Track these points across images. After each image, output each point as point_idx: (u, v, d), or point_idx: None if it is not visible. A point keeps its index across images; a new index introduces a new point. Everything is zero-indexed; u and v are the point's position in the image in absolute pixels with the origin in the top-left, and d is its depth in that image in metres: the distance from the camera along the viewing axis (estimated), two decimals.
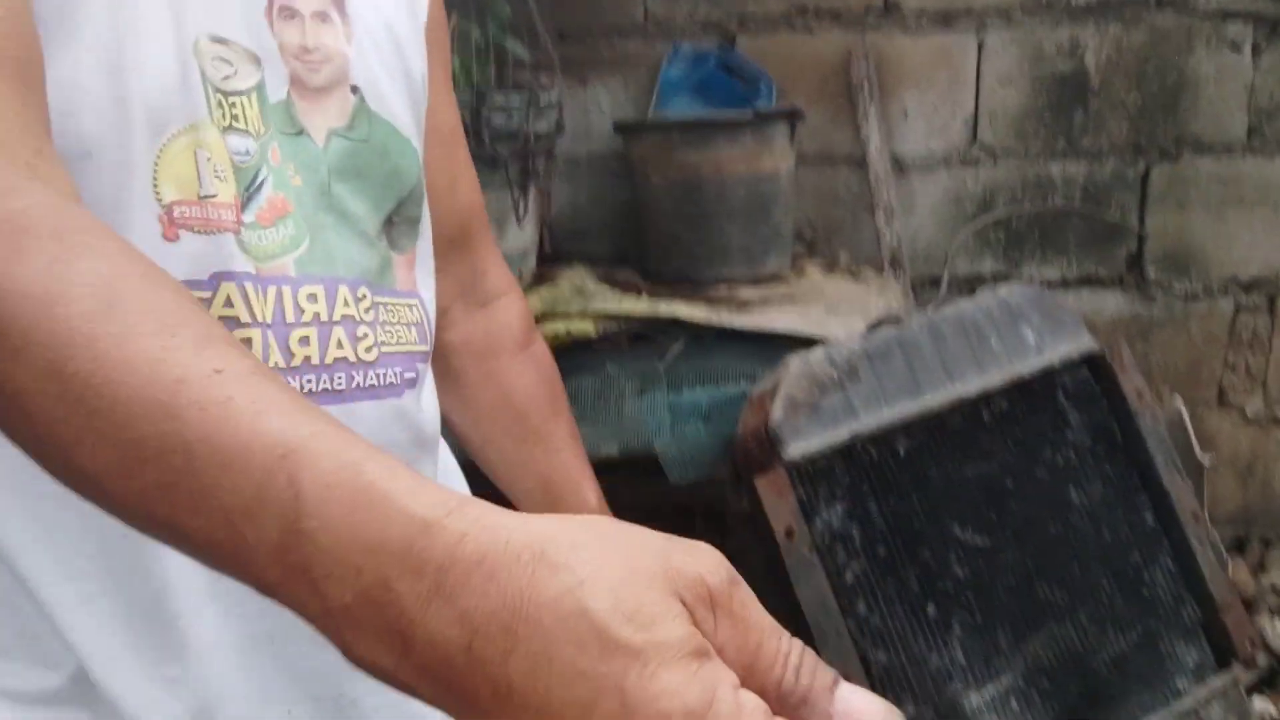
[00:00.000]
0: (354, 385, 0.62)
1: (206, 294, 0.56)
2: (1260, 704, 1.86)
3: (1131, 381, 1.72)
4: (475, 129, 1.77)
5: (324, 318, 0.61)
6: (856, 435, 1.54)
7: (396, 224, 0.65)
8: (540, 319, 1.80)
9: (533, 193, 1.91)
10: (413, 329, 0.66)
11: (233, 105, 0.56)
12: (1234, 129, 2.10)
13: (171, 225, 0.54)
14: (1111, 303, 2.24)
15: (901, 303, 1.95)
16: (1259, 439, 2.28)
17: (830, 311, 1.83)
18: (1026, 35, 2.12)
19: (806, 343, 1.71)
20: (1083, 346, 1.71)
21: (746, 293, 1.98)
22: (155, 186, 0.54)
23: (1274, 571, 2.24)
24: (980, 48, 2.14)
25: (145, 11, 0.54)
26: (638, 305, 1.82)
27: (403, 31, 0.68)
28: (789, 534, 1.47)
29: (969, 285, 2.28)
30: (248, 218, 0.58)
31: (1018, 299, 1.70)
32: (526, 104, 1.81)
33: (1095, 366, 1.72)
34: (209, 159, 0.55)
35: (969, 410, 1.63)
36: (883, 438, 1.57)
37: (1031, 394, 1.67)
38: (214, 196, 0.56)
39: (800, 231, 2.26)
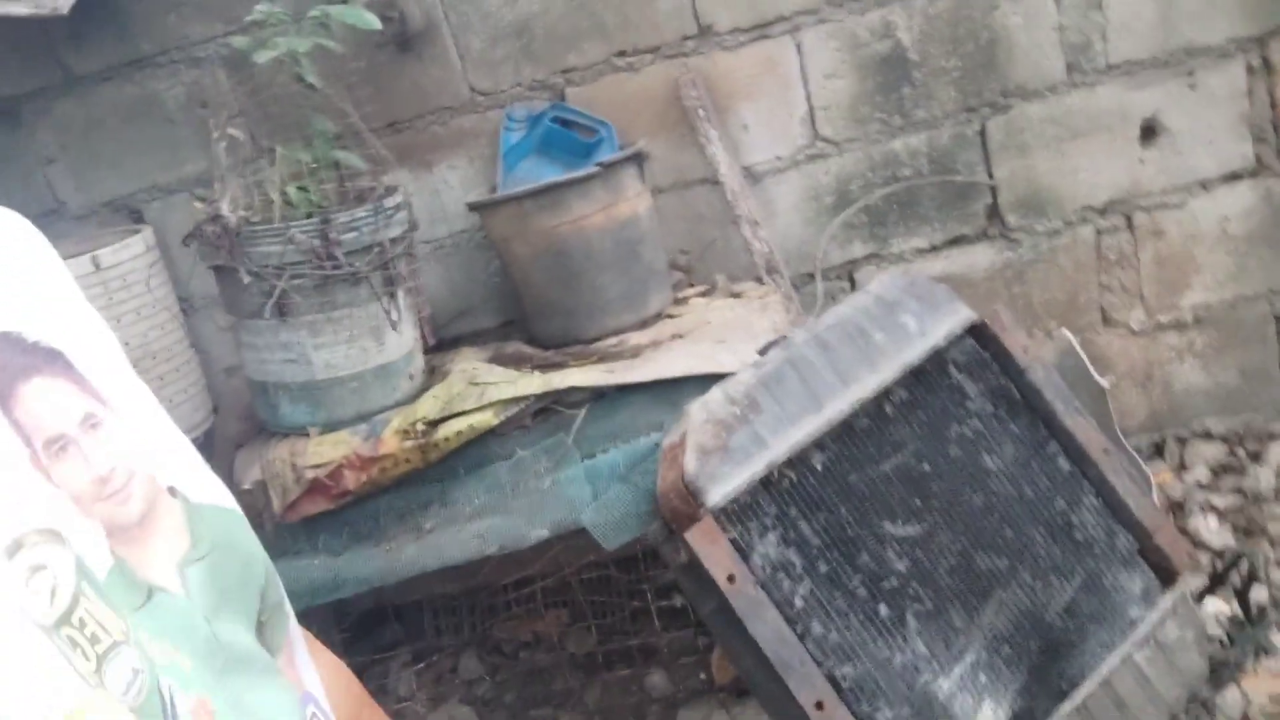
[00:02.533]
0: None
1: None
2: (1213, 604, 1.93)
3: (1015, 339, 1.77)
4: (328, 252, 1.75)
5: None
6: (771, 463, 1.56)
7: (266, 622, 0.54)
8: (440, 421, 1.80)
9: (401, 295, 1.89)
10: None
11: (82, 626, 0.41)
12: (1053, 70, 2.19)
13: None
14: (983, 256, 2.30)
15: (784, 313, 1.99)
16: (1149, 347, 2.37)
17: (719, 343, 1.85)
18: (839, 27, 2.17)
19: (704, 380, 1.73)
20: (962, 319, 1.75)
21: (636, 339, 2.00)
22: None
23: (1195, 468, 2.33)
24: (799, 49, 2.19)
25: None
26: (532, 383, 1.82)
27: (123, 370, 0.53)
28: (731, 579, 1.48)
29: (845, 272, 2.33)
30: None
31: (891, 290, 1.75)
32: (374, 214, 1.80)
33: (979, 334, 1.77)
34: None
35: (871, 409, 1.66)
36: (797, 458, 1.59)
37: (926, 377, 1.71)
38: None
39: (674, 260, 2.28)
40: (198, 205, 1.88)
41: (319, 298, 1.77)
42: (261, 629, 0.52)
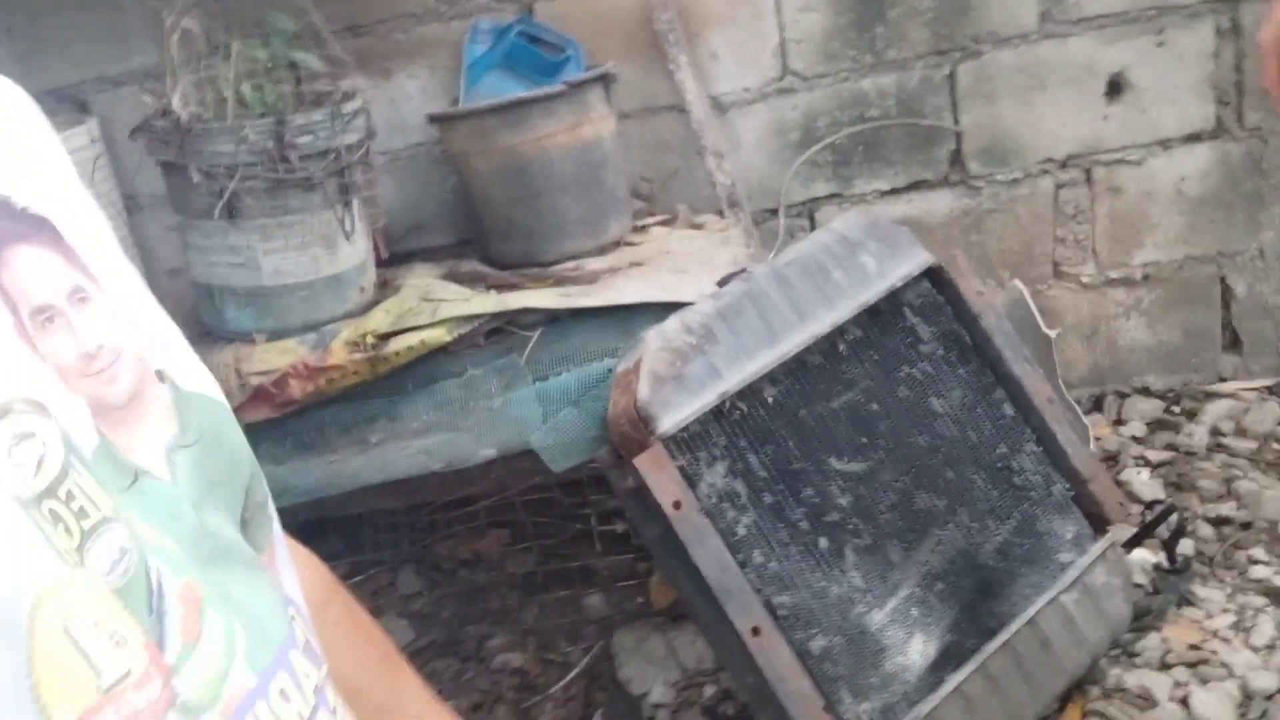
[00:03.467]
0: None
1: None
2: (1140, 554, 1.98)
3: (970, 285, 1.79)
4: (281, 154, 1.71)
5: (305, 712, 0.46)
6: (724, 394, 1.57)
7: (250, 520, 0.50)
8: (390, 334, 1.77)
9: (356, 204, 1.85)
10: (309, 651, 0.50)
11: (69, 499, 0.38)
12: (1026, 18, 2.17)
13: None
14: (942, 202, 2.31)
15: (745, 247, 1.98)
16: (1098, 302, 2.40)
17: (679, 273, 1.84)
18: None
19: (661, 309, 1.72)
20: (920, 262, 1.76)
21: (594, 264, 1.98)
22: (46, 718, 0.36)
23: (1132, 423, 2.39)
24: None
25: None
26: (487, 302, 1.80)
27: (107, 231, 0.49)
28: (677, 505, 1.49)
29: (806, 210, 2.32)
30: (170, 655, 0.40)
31: (853, 230, 1.75)
32: (330, 119, 1.75)
33: (935, 278, 1.78)
34: (95, 624, 0.38)
35: (825, 346, 1.67)
36: (750, 391, 1.60)
37: (881, 317, 1.72)
38: (125, 676, 0.38)
39: (636, 189, 2.26)
40: (147, 99, 1.82)
41: (271, 201, 1.72)
42: (245, 526, 0.49)
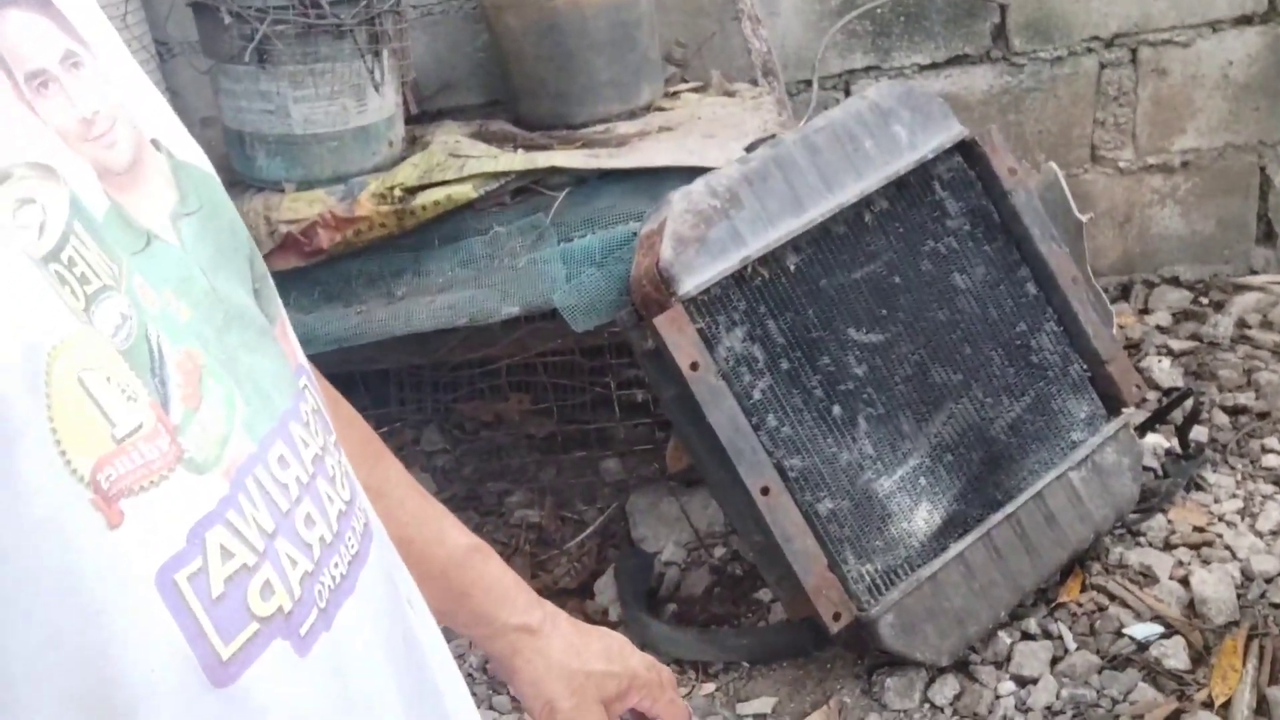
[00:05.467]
0: (360, 532, 0.51)
1: (195, 564, 0.41)
2: (1153, 438, 2.00)
3: (1003, 161, 1.77)
4: None
5: (304, 478, 0.47)
6: (746, 259, 1.58)
7: (259, 290, 0.50)
8: (418, 189, 1.78)
9: (386, 56, 1.84)
10: (318, 418, 0.51)
11: (71, 265, 0.39)
12: None
13: (110, 504, 0.38)
14: (982, 79, 2.26)
15: (777, 115, 1.95)
16: (1133, 188, 2.36)
17: (707, 138, 1.83)
18: None
19: (688, 173, 1.71)
20: (953, 134, 1.74)
21: (623, 128, 1.96)
22: (66, 459, 0.37)
23: (1158, 313, 2.37)
24: None
25: None
26: (515, 161, 1.80)
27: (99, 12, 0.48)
28: (694, 366, 1.52)
29: (842, 83, 2.28)
30: (175, 417, 0.41)
31: (887, 98, 1.72)
32: None
33: (967, 152, 1.76)
34: (108, 379, 0.39)
35: (851, 216, 1.67)
36: (772, 258, 1.60)
37: (909, 190, 1.71)
38: (137, 429, 0.39)
39: (669, 54, 2.22)
40: None
41: (301, 47, 1.71)
42: (257, 297, 0.50)
